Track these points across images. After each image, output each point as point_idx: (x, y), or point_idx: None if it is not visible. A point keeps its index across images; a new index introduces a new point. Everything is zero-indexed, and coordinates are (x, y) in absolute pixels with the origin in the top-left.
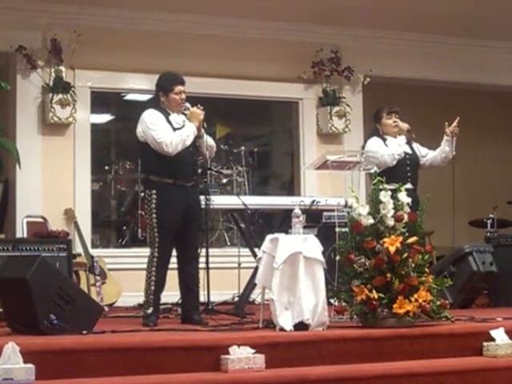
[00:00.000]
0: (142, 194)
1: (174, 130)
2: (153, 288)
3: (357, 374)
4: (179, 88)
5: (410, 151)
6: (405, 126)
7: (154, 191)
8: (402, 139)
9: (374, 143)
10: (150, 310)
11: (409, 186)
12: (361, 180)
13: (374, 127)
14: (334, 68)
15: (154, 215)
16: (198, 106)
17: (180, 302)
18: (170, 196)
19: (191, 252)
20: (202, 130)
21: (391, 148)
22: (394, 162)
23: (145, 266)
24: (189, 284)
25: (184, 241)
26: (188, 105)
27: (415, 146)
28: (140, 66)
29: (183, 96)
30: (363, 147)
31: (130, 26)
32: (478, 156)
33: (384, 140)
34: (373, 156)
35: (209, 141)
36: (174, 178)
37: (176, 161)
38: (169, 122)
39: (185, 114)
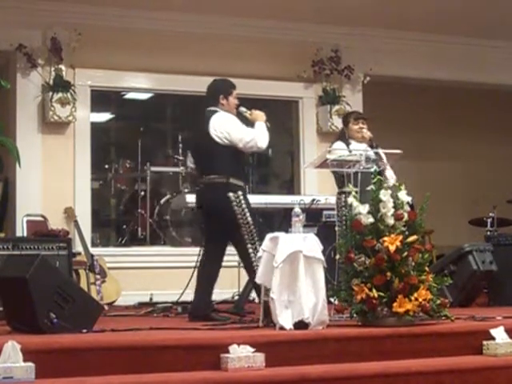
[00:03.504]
0: (221, 197)
1: None
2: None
3: (357, 372)
4: (235, 92)
5: (373, 156)
6: (367, 134)
7: (240, 193)
8: (364, 147)
9: (337, 147)
10: None
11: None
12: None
13: (341, 130)
14: (334, 67)
15: (248, 214)
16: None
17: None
18: (246, 196)
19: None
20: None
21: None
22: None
23: (145, 264)
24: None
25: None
26: (244, 108)
27: (381, 151)
28: (140, 64)
29: (237, 101)
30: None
31: (131, 24)
32: (478, 155)
33: (348, 144)
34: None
35: None
36: (244, 181)
37: (244, 165)
38: None
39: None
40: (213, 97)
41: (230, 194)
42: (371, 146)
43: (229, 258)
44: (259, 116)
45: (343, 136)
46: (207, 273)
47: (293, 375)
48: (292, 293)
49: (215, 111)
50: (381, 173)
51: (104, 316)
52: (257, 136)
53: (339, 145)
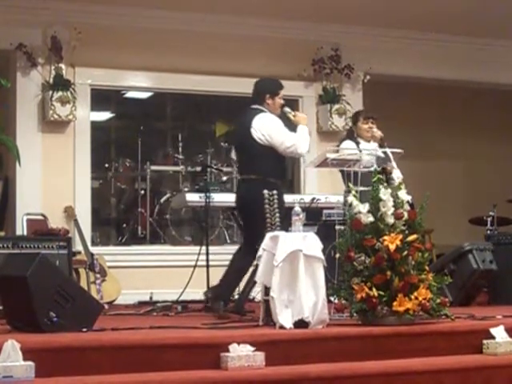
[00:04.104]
0: (254, 195)
1: None
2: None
3: (357, 371)
4: (283, 92)
5: (382, 155)
6: (378, 133)
7: (275, 192)
8: (375, 146)
9: (347, 146)
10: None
11: None
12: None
13: (350, 129)
14: (334, 66)
15: (278, 214)
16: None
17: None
18: (282, 195)
19: None
20: None
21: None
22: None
23: (145, 263)
24: None
25: None
26: (288, 109)
27: (388, 151)
28: (140, 63)
29: (282, 100)
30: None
31: (131, 23)
32: (478, 154)
33: (357, 143)
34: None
35: None
36: (283, 179)
37: (284, 163)
38: None
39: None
40: (259, 95)
41: (265, 192)
42: (381, 146)
43: (228, 256)
44: (302, 119)
45: (352, 135)
46: (236, 267)
47: (293, 374)
48: (292, 292)
49: (259, 111)
50: (387, 173)
51: (104, 315)
52: (298, 142)
53: (348, 143)
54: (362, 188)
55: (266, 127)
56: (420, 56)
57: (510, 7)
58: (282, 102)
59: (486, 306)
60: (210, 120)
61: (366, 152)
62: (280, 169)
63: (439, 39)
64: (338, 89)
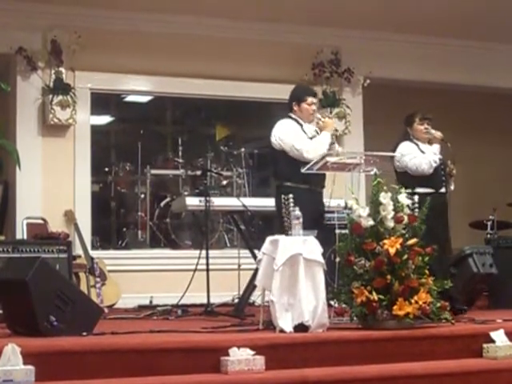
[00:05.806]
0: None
1: (309, 138)
2: None
3: (357, 375)
4: (311, 99)
5: (440, 156)
6: (437, 134)
7: (292, 195)
8: (437, 148)
9: (408, 148)
10: None
11: (443, 190)
12: (361, 181)
13: (404, 131)
14: (334, 70)
15: None
16: (329, 116)
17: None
18: (303, 200)
19: None
20: (334, 138)
21: (428, 156)
22: (431, 171)
23: (145, 267)
24: None
25: None
26: (319, 115)
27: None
28: (140, 67)
29: (314, 107)
30: (394, 150)
31: (130, 27)
32: (479, 157)
33: (417, 145)
34: (408, 161)
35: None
36: (309, 184)
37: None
38: (303, 131)
39: (317, 124)
40: (289, 103)
41: (282, 196)
42: (445, 148)
43: (228, 260)
44: (327, 126)
45: (408, 137)
46: None
47: (293, 378)
48: (292, 295)
49: (285, 117)
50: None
51: (104, 319)
52: (307, 147)
53: (409, 145)
54: (422, 190)
55: (279, 132)
56: (420, 60)
57: (510, 11)
58: (312, 108)
59: (486, 309)
60: (210, 124)
61: (430, 157)
62: (301, 174)
63: (439, 43)
64: (338, 93)
